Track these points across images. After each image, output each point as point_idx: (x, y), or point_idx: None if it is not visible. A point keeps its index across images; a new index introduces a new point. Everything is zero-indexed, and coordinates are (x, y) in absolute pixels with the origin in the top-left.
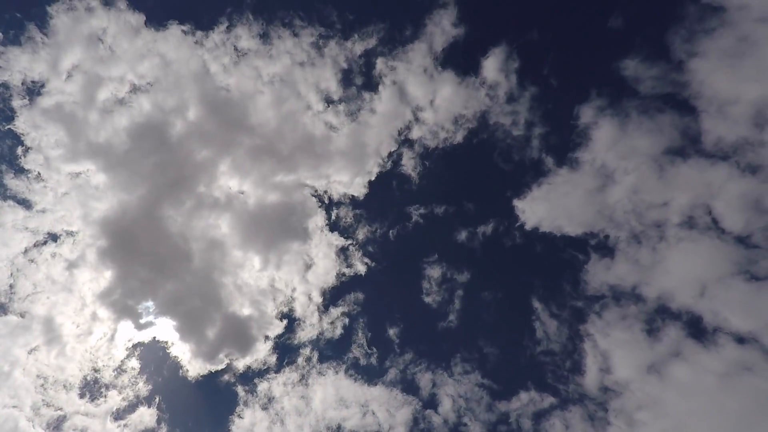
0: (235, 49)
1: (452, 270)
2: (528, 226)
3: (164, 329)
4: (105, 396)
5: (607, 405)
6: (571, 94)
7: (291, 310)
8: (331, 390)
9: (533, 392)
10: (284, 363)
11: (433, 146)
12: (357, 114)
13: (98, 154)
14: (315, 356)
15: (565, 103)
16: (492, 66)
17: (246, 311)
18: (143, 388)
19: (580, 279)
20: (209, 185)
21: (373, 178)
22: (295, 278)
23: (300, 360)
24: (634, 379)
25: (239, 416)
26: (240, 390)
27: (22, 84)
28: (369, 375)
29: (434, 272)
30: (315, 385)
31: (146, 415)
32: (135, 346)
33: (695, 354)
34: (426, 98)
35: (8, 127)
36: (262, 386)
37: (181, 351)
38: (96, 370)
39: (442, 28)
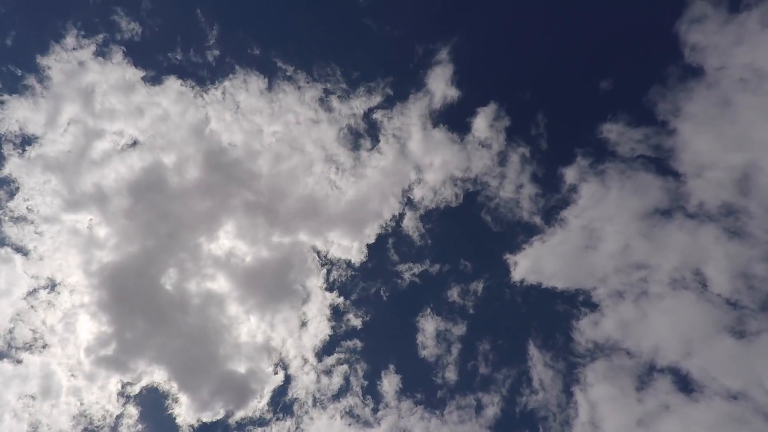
0: (236, 105)
1: (446, 323)
2: (518, 283)
3: (160, 381)
4: None
5: None
6: (558, 155)
7: (287, 365)
8: None
9: None
10: (279, 413)
11: (432, 207)
12: (358, 173)
13: (95, 206)
14: (310, 406)
15: (553, 164)
16: (482, 126)
17: (242, 364)
18: None
19: (569, 334)
20: (208, 240)
21: (372, 241)
22: (291, 333)
23: (296, 408)
24: None
25: None
26: None
27: (20, 131)
28: (364, 424)
29: (429, 325)
30: None
31: None
32: (130, 397)
33: (685, 408)
34: (425, 158)
35: (4, 174)
36: None
37: (177, 402)
38: (90, 421)
39: (438, 87)
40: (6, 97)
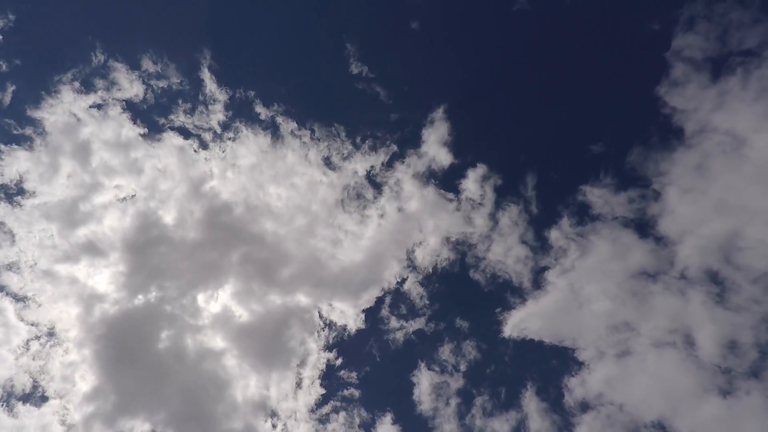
0: (237, 163)
1: (441, 377)
2: (509, 340)
3: None
4: None
5: None
6: (546, 218)
7: (282, 423)
8: None
9: None
10: None
11: (429, 268)
12: (357, 234)
13: (90, 258)
14: None
15: (541, 226)
16: (473, 187)
17: (239, 424)
18: None
19: (559, 390)
20: (205, 296)
21: (371, 304)
22: (287, 391)
23: None
24: None
25: None
26: None
27: (20, 181)
28: None
29: (424, 380)
30: None
31: None
32: None
33: None
34: (423, 220)
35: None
36: None
37: None
38: None
39: (433, 148)
40: (4, 147)
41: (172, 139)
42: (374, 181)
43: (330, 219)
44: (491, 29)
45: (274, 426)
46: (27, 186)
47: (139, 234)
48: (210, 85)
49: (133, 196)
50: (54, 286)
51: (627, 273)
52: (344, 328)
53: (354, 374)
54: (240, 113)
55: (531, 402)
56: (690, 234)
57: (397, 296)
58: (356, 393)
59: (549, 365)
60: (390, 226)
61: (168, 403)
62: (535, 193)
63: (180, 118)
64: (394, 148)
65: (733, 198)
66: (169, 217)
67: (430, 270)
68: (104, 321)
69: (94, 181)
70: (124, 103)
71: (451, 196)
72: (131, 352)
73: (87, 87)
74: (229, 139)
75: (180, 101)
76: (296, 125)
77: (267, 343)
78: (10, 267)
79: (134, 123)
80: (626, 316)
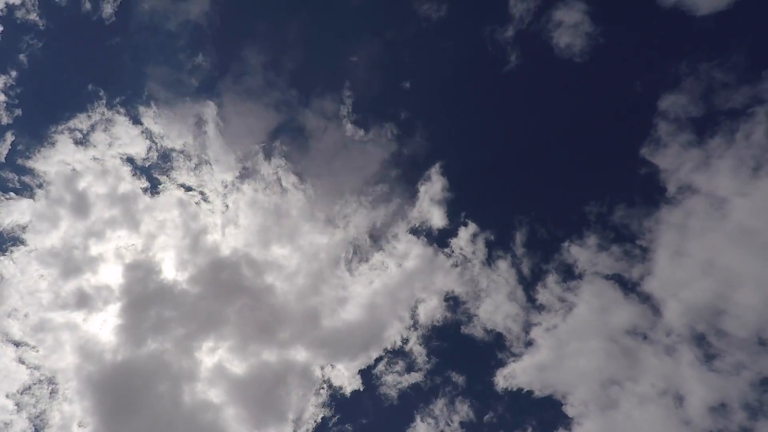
0: (239, 217)
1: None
2: (502, 393)
3: None
4: None
5: None
6: (535, 275)
7: None
8: None
9: None
10: None
11: (428, 325)
12: (354, 292)
13: (88, 307)
14: None
15: (531, 283)
16: (466, 245)
17: None
18: None
19: None
20: (203, 350)
21: (370, 363)
22: None
23: None
24: None
25: None
26: None
27: (21, 229)
28: None
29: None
30: None
31: None
32: None
33: None
34: (422, 278)
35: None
36: None
37: None
38: None
39: (426, 206)
40: (6, 196)
41: (174, 192)
42: (374, 237)
43: (331, 276)
44: (482, 91)
45: None
46: (26, 236)
47: (138, 285)
48: (214, 141)
49: (132, 245)
50: (53, 334)
51: (618, 330)
52: (340, 388)
53: (350, 427)
54: (243, 168)
55: None
56: (675, 296)
57: (396, 354)
58: None
59: (541, 416)
60: (390, 283)
61: None
62: (527, 249)
63: (183, 177)
64: (393, 205)
65: (719, 260)
66: (169, 269)
67: (431, 327)
68: (102, 371)
69: (93, 230)
70: (124, 156)
71: (447, 251)
72: (128, 403)
73: (87, 140)
74: (232, 193)
75: (182, 159)
76: (298, 180)
77: (264, 397)
78: (8, 312)
79: (135, 177)
80: (614, 373)
